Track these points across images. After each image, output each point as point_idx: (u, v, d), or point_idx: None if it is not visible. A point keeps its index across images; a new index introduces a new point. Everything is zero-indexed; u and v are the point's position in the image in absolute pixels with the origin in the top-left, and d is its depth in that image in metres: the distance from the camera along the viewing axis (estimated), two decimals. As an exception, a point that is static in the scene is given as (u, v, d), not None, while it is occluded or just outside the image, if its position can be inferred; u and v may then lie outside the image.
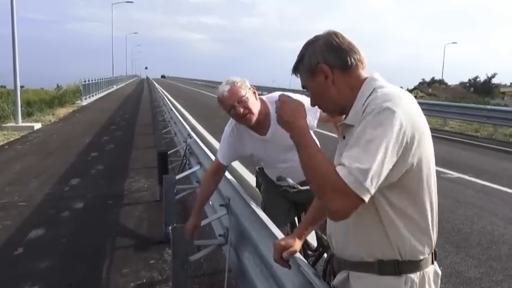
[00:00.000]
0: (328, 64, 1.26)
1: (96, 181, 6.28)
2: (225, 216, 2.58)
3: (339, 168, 1.11)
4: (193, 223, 2.36)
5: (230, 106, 2.17)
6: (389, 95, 1.17)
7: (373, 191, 1.09)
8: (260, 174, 2.66)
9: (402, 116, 1.12)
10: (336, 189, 1.09)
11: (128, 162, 7.58)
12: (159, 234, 4.11)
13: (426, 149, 1.19)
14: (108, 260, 3.61)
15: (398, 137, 1.11)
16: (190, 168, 4.53)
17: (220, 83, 2.29)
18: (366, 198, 1.09)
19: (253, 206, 2.20)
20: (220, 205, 2.61)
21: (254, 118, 2.19)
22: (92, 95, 24.67)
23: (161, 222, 4.14)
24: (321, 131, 2.63)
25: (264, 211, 2.55)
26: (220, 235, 2.56)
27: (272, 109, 2.22)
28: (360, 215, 1.18)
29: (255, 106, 2.19)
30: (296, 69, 1.32)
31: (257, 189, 2.94)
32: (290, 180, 2.19)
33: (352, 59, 1.27)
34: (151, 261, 3.59)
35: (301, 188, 2.23)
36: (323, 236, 2.00)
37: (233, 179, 2.81)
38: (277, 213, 2.54)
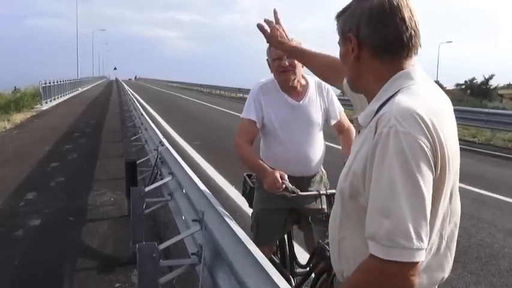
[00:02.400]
0: (359, 38, 1.14)
1: (56, 195, 6.15)
2: (199, 232, 2.54)
3: (373, 248, 1.01)
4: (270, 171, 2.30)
5: (278, 57, 2.38)
6: (406, 107, 1.05)
7: (426, 241, 1.00)
8: (256, 179, 2.67)
9: (416, 134, 1.02)
10: (386, 278, 1.00)
11: (92, 173, 7.45)
12: (127, 253, 4.03)
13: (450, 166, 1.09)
14: (67, 284, 3.52)
15: (419, 160, 1.01)
16: (161, 179, 4.46)
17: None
18: (423, 256, 1.01)
19: (229, 220, 2.16)
20: (193, 220, 2.56)
21: (294, 79, 2.44)
22: (54, 99, 24.30)
23: (129, 239, 4.05)
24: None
25: (256, 224, 2.61)
26: (193, 253, 2.50)
27: (311, 83, 2.52)
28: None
29: (298, 69, 2.44)
30: (338, 17, 1.22)
31: (245, 200, 2.96)
32: (289, 184, 2.23)
33: (396, 44, 1.11)
34: (117, 285, 3.51)
35: (300, 193, 2.27)
36: (326, 246, 1.99)
37: (207, 190, 2.76)
38: (272, 227, 2.59)
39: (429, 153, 1.03)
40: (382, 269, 1.01)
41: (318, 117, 2.53)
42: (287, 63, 2.39)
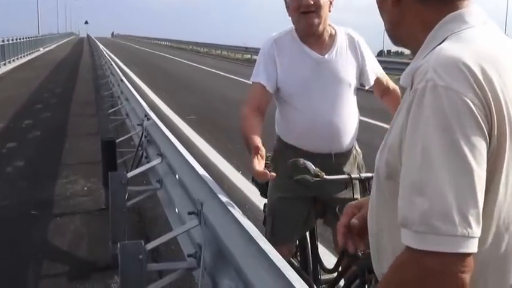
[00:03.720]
0: None
1: (14, 183, 6.20)
2: (196, 228, 2.54)
3: (406, 236, 1.00)
4: (256, 153, 2.21)
5: None
6: (449, 56, 1.04)
7: (476, 228, 0.97)
8: (271, 160, 2.67)
9: (461, 89, 1.00)
10: (426, 275, 0.98)
11: (59, 156, 7.49)
12: (105, 256, 4.05)
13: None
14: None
15: (465, 123, 0.98)
16: (148, 162, 4.47)
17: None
18: (473, 246, 0.97)
19: (236, 212, 2.16)
20: (189, 213, 2.56)
21: (318, 23, 2.42)
22: (9, 62, 24.41)
23: (107, 239, 4.08)
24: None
25: (271, 218, 2.64)
26: (189, 255, 2.51)
27: (340, 33, 2.53)
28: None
29: (324, 11, 2.42)
30: None
31: (255, 186, 2.97)
32: (311, 165, 2.21)
33: None
34: (93, 295, 3.55)
35: (326, 177, 2.24)
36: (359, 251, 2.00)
37: (207, 174, 2.76)
38: (291, 221, 2.62)
39: (479, 115, 1.00)
40: (418, 263, 0.98)
41: (349, 75, 2.51)
42: (311, 1, 2.36)
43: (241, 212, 2.23)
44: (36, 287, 3.68)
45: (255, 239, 1.85)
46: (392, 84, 2.65)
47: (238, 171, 6.48)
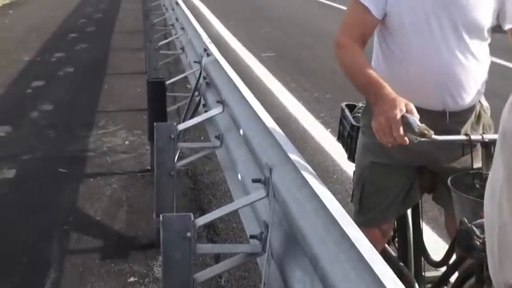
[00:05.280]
0: None
1: (39, 133, 6.45)
2: (263, 201, 2.55)
3: None
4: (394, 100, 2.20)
5: None
6: None
7: None
8: (363, 111, 2.68)
9: None
10: None
11: (96, 100, 7.70)
12: (148, 230, 4.20)
13: None
14: (54, 274, 3.72)
15: None
16: (206, 111, 4.51)
17: None
18: None
19: (315, 182, 2.15)
20: (254, 180, 2.58)
21: None
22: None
23: (152, 209, 4.20)
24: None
25: (360, 190, 2.68)
26: (253, 236, 2.52)
27: None
28: None
29: None
30: None
31: (343, 147, 3.04)
32: (415, 121, 2.16)
33: None
34: (131, 279, 3.68)
35: (435, 137, 2.19)
36: (474, 229, 1.99)
37: (281, 132, 2.77)
38: (387, 196, 2.63)
39: None
40: None
41: (482, 12, 2.44)
42: None
43: (322, 184, 2.21)
44: (61, 266, 3.82)
45: (337, 219, 1.84)
46: None
47: (327, 129, 6.44)
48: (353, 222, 1.86)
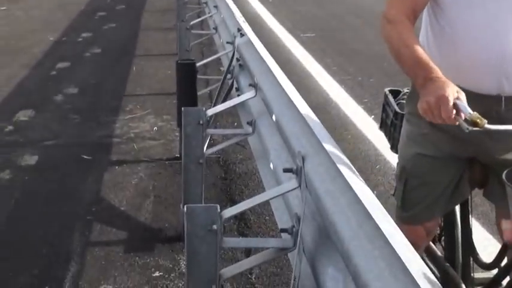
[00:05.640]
0: None
1: (63, 117, 6.51)
2: (295, 192, 2.54)
3: None
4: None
5: None
6: None
7: None
8: (408, 97, 2.66)
9: None
10: None
11: (124, 83, 7.75)
12: (175, 222, 4.22)
13: None
14: (75, 268, 3.76)
15: None
16: (238, 94, 4.50)
17: None
18: None
19: (351, 174, 2.14)
20: (285, 170, 2.56)
21: None
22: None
23: (180, 199, 4.20)
24: None
25: (404, 183, 2.66)
26: (283, 230, 2.50)
27: None
28: None
29: None
30: None
31: (385, 137, 3.06)
32: (466, 108, 2.12)
33: None
34: (156, 274, 3.70)
35: (489, 126, 2.13)
36: None
37: (316, 119, 2.75)
38: (433, 190, 2.60)
39: None
40: None
41: None
42: None
43: (357, 175, 2.20)
44: (82, 259, 3.86)
45: (373, 215, 1.82)
46: None
47: (370, 115, 6.39)
48: (389, 218, 1.85)
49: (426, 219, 2.65)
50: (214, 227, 2.43)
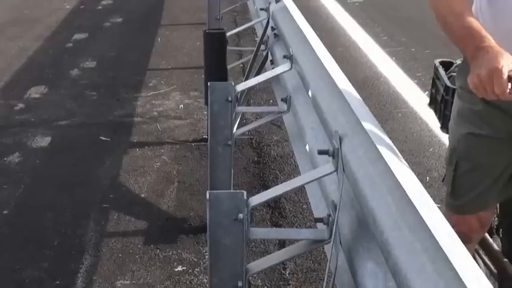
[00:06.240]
0: None
1: (80, 94, 6.57)
2: (332, 177, 2.54)
3: None
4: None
5: None
6: None
7: None
8: (460, 69, 2.66)
9: None
10: None
11: (147, 55, 7.78)
12: (201, 211, 4.23)
13: None
14: (89, 261, 3.80)
15: None
16: (273, 67, 4.48)
17: None
18: None
19: (391, 156, 2.13)
20: (320, 152, 2.54)
21: None
22: None
23: (207, 186, 4.21)
24: None
25: (454, 167, 2.64)
26: (318, 219, 2.50)
27: None
28: None
29: None
30: None
31: (435, 114, 3.07)
32: None
33: None
34: (179, 268, 3.71)
35: None
36: None
37: (358, 96, 2.75)
38: (488, 174, 2.58)
39: None
40: None
41: None
42: None
43: (401, 158, 2.20)
44: (97, 251, 3.90)
45: (415, 203, 1.81)
46: None
47: (424, 92, 6.31)
48: (434, 207, 1.81)
49: (480, 208, 2.61)
50: (240, 215, 2.42)
